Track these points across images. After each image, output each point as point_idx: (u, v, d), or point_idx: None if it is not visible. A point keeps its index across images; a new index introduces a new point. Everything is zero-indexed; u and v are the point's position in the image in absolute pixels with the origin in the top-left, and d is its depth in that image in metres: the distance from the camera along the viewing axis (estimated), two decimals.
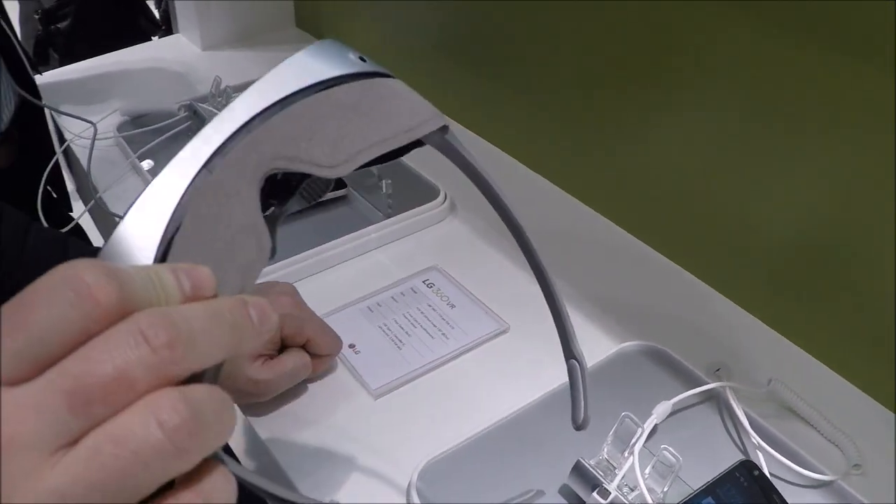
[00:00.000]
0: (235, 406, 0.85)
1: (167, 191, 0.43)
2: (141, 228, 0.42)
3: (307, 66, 0.50)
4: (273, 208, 0.57)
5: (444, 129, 0.55)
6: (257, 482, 0.40)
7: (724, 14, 0.91)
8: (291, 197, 0.57)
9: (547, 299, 0.58)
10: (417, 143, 0.56)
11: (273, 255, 0.52)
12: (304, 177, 0.55)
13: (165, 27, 2.82)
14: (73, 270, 0.34)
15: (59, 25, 2.74)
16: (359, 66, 0.52)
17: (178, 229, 0.42)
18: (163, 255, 0.41)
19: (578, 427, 0.58)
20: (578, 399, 0.58)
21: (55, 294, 0.33)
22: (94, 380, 0.32)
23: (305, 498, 0.42)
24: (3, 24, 1.35)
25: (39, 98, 1.45)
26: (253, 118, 0.46)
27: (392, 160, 0.57)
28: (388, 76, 0.54)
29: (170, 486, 0.34)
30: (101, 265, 0.35)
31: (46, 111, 1.50)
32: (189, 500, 0.34)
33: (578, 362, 0.58)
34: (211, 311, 0.37)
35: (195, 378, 0.36)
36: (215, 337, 0.37)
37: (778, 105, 0.90)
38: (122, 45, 1.86)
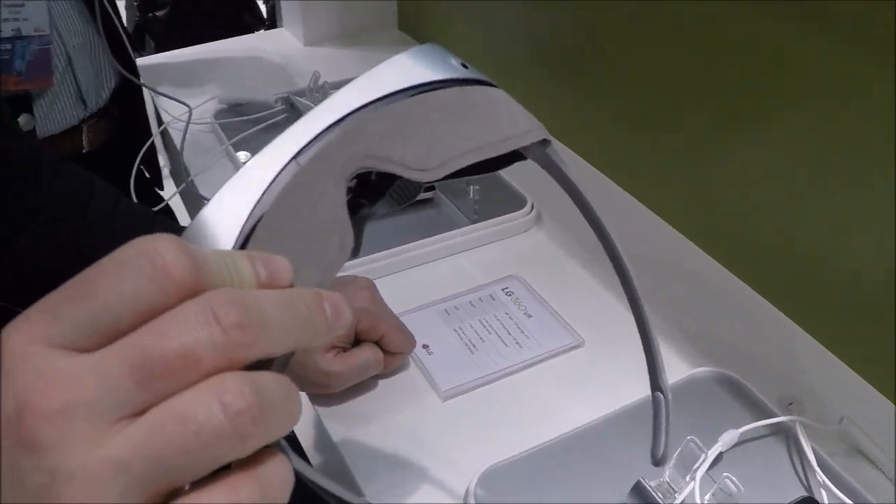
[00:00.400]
0: (303, 397, 0.87)
1: (254, 179, 0.43)
2: (224, 214, 0.41)
3: (408, 67, 0.49)
4: (362, 208, 0.57)
5: (546, 142, 0.54)
6: (313, 477, 0.39)
7: (820, 46, 0.91)
8: (381, 198, 0.57)
9: (639, 327, 0.57)
10: (518, 157, 0.54)
11: (356, 255, 0.51)
12: (394, 178, 0.54)
13: (270, 23, 2.85)
14: (150, 244, 0.34)
15: (157, 13, 2.79)
16: (460, 73, 0.51)
17: (261, 218, 0.42)
18: (243, 243, 0.41)
19: (657, 462, 0.57)
20: (660, 433, 0.57)
21: (130, 265, 0.33)
22: (160, 354, 0.32)
23: (359, 499, 0.42)
24: (109, 6, 1.39)
25: (139, 80, 1.49)
26: (348, 114, 0.46)
27: (487, 173, 0.56)
28: (490, 84, 0.53)
29: (226, 468, 0.34)
30: (178, 241, 0.34)
31: (145, 92, 1.54)
32: (244, 485, 0.34)
33: (664, 396, 0.57)
34: (285, 299, 0.37)
35: (263, 366, 0.36)
36: (287, 326, 0.36)
37: (868, 138, 0.88)
38: (219, 38, 1.90)
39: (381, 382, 0.94)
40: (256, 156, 0.44)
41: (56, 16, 1.28)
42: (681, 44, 1.12)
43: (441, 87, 0.50)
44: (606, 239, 0.57)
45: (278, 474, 0.35)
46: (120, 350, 0.33)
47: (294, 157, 0.44)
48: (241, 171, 0.43)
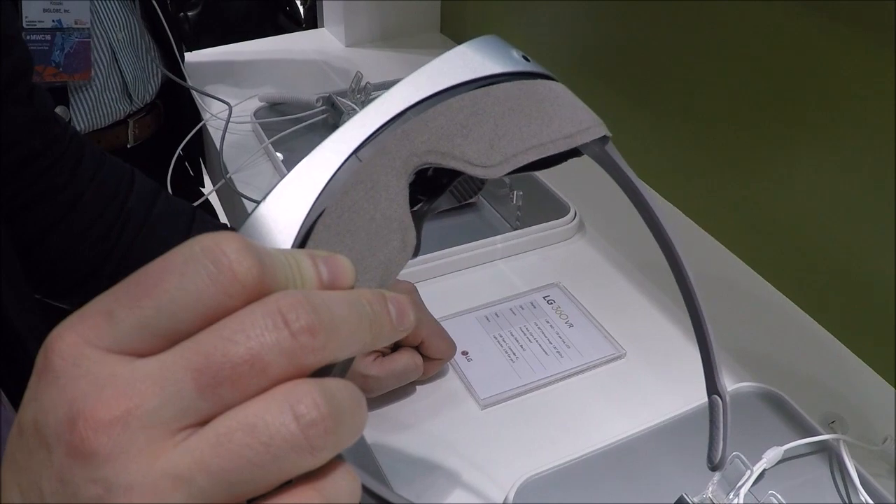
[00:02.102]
0: None
1: (313, 174, 0.42)
2: (283, 210, 0.40)
3: (468, 60, 0.48)
4: (421, 204, 0.55)
5: (605, 139, 0.53)
6: (379, 491, 0.38)
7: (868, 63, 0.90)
8: (442, 194, 0.56)
9: (695, 328, 0.54)
10: (575, 152, 0.53)
11: (417, 253, 0.50)
12: (455, 174, 0.53)
13: (307, 25, 2.83)
14: (214, 241, 0.32)
15: (188, 13, 2.78)
16: (522, 66, 0.50)
17: (320, 215, 0.41)
18: (302, 241, 0.40)
19: (714, 467, 0.54)
20: (718, 437, 0.54)
21: (192, 264, 0.32)
22: (225, 359, 0.30)
23: None
24: (157, 4, 1.39)
25: (183, 77, 1.49)
26: (408, 108, 0.45)
27: (545, 168, 0.55)
28: (551, 78, 0.52)
29: (288, 482, 0.32)
30: (242, 239, 0.33)
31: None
32: (310, 499, 0.32)
33: (721, 398, 0.54)
34: (351, 300, 0.35)
35: (325, 371, 0.34)
36: (354, 329, 0.34)
37: None
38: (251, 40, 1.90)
39: (420, 388, 0.94)
40: (314, 151, 0.43)
41: (100, 9, 1.29)
42: (727, 52, 1.11)
43: (504, 80, 0.49)
44: (664, 237, 0.54)
45: (345, 487, 0.33)
46: (181, 355, 0.31)
47: (354, 152, 0.43)
48: (299, 166, 0.42)
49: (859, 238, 0.99)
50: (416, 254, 0.46)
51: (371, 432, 0.89)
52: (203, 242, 0.32)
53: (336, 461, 0.34)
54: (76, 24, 1.22)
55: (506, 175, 0.48)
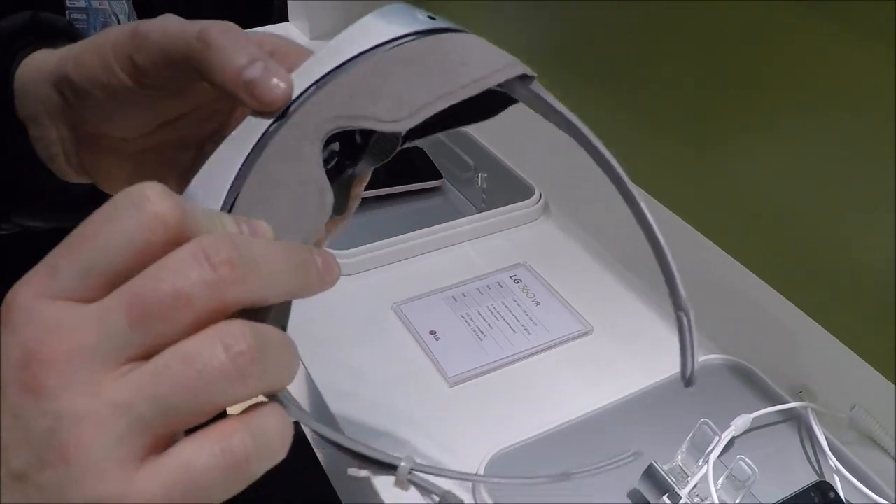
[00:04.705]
0: (301, 367, 0.85)
1: (232, 153, 0.44)
2: (207, 189, 0.43)
3: (373, 28, 0.49)
4: (348, 170, 0.57)
5: (528, 79, 0.52)
6: (313, 426, 0.40)
7: (840, 39, 0.90)
8: (361, 156, 0.57)
9: (649, 241, 0.55)
10: (509, 101, 0.53)
11: (341, 213, 0.54)
12: (370, 134, 0.55)
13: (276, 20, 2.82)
14: (138, 188, 0.35)
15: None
16: (427, 24, 0.51)
17: (240, 190, 0.43)
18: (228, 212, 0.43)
19: (687, 383, 0.53)
20: (687, 353, 0.54)
21: (118, 210, 0.35)
22: (153, 295, 0.33)
23: (374, 450, 0.42)
24: None
25: None
26: (314, 83, 0.46)
27: (480, 120, 0.55)
28: (458, 31, 0.52)
29: (223, 418, 0.35)
30: (163, 187, 0.36)
31: None
32: (236, 431, 0.35)
33: (686, 314, 0.54)
34: (277, 245, 0.38)
35: (258, 317, 0.37)
36: (278, 270, 0.37)
37: (883, 132, 0.88)
38: None
39: (388, 369, 0.93)
40: (233, 132, 0.45)
41: None
42: (697, 42, 1.11)
43: (405, 41, 0.49)
44: (601, 157, 0.55)
45: (273, 424, 0.36)
46: (117, 296, 0.34)
47: (266, 129, 0.45)
48: (220, 148, 0.45)
49: (821, 209, 0.99)
50: (340, 213, 0.51)
51: (339, 412, 0.88)
52: (128, 190, 0.35)
53: (269, 402, 0.37)
54: (99, 5, 1.29)
55: (429, 133, 0.52)
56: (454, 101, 0.48)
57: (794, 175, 1.02)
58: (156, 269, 0.34)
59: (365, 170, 0.58)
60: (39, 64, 0.56)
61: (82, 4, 1.27)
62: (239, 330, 0.34)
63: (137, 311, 0.33)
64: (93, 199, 0.61)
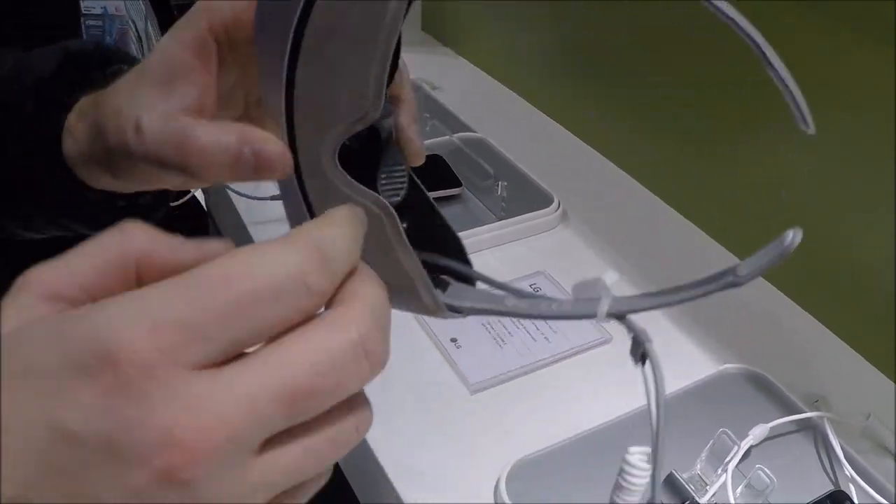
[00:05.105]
0: None
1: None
2: None
3: None
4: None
5: None
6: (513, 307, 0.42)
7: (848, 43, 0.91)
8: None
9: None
10: None
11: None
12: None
13: None
14: (299, 268, 0.34)
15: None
16: None
17: None
18: None
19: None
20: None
21: (285, 295, 0.33)
22: (312, 389, 0.33)
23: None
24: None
25: None
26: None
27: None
28: None
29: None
30: (324, 263, 0.35)
31: None
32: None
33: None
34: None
35: None
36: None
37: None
38: None
39: (409, 376, 0.95)
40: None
41: (127, 2, 1.33)
42: (703, 46, 1.12)
43: None
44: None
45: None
46: (269, 378, 0.32)
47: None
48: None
49: (838, 221, 1.00)
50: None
51: None
52: (293, 269, 0.33)
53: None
54: (116, 11, 1.28)
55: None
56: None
57: (811, 182, 1.03)
58: (315, 358, 0.33)
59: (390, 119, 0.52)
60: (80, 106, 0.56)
61: (98, 11, 1.27)
62: (367, 412, 0.38)
63: (294, 404, 0.32)
64: (106, 208, 0.61)
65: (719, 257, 1.17)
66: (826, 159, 0.99)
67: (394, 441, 0.87)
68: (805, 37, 0.97)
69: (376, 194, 0.41)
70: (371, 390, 0.91)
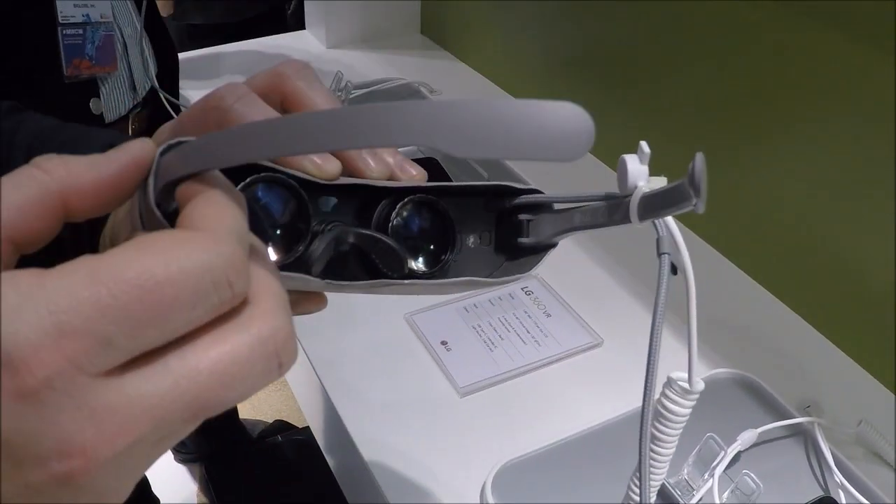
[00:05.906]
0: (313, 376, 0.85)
1: None
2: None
3: None
4: None
5: None
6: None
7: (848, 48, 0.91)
8: None
9: None
10: None
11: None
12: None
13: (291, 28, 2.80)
14: (223, 272, 0.32)
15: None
16: None
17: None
18: None
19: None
20: None
21: (203, 299, 0.31)
22: (219, 403, 0.32)
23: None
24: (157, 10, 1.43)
25: (175, 77, 1.52)
26: None
27: None
28: None
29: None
30: (245, 264, 0.34)
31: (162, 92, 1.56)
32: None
33: None
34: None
35: None
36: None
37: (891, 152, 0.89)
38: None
39: (400, 379, 0.94)
40: None
41: (113, 6, 1.32)
42: (703, 50, 1.12)
43: None
44: None
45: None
46: (177, 389, 0.31)
47: None
48: None
49: (831, 226, 1.00)
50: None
51: (351, 421, 0.89)
52: (215, 274, 0.31)
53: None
54: (101, 18, 1.27)
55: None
56: None
57: (803, 188, 1.03)
58: (228, 371, 0.31)
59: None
60: None
61: (79, 20, 1.24)
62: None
63: (200, 410, 0.31)
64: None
65: (714, 263, 1.17)
66: (820, 166, 0.99)
67: (382, 443, 0.87)
68: (805, 37, 0.96)
69: None
70: (359, 390, 0.92)
